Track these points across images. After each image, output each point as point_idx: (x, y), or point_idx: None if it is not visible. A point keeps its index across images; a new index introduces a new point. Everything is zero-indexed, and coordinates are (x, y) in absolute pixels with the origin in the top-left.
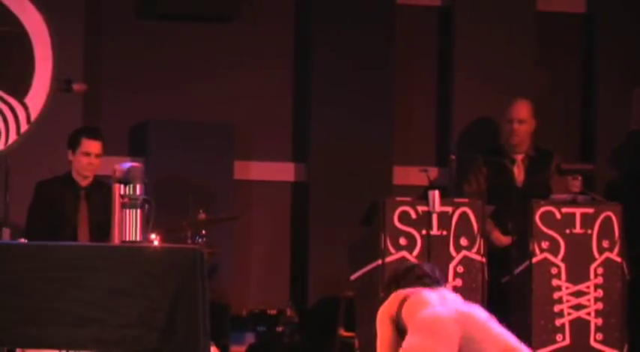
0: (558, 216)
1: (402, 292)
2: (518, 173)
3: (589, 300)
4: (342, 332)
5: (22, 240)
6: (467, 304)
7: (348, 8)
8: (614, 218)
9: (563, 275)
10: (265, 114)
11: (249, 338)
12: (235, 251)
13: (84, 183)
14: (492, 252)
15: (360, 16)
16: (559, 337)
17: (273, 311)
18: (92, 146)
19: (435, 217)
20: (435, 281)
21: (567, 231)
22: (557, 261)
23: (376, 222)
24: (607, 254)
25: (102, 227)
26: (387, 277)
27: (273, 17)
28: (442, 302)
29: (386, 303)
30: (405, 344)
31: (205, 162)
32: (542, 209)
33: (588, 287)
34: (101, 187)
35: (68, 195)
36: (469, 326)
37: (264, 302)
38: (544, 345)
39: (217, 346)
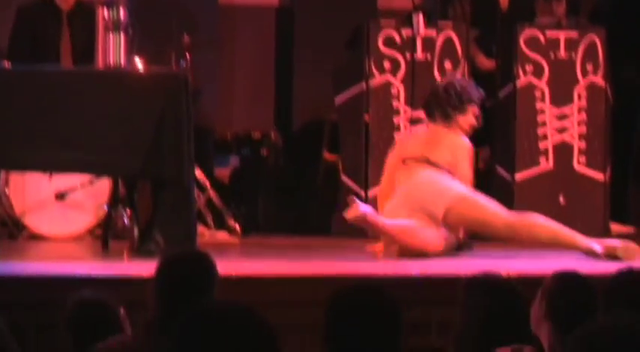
0: (542, 39)
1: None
2: None
3: (572, 123)
4: (326, 156)
5: (6, 63)
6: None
7: None
8: (598, 42)
9: (547, 99)
10: None
11: (234, 161)
12: (220, 75)
13: (66, 6)
14: (476, 75)
15: None
16: (542, 160)
17: (258, 135)
18: None
19: (419, 41)
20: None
21: (551, 55)
22: (541, 84)
23: (360, 46)
24: (591, 77)
25: (85, 52)
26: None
27: None
28: None
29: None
30: None
31: None
32: (527, 33)
33: (572, 110)
34: (84, 11)
35: (50, 20)
36: (422, 202)
37: (249, 125)
38: (528, 168)
39: (201, 169)
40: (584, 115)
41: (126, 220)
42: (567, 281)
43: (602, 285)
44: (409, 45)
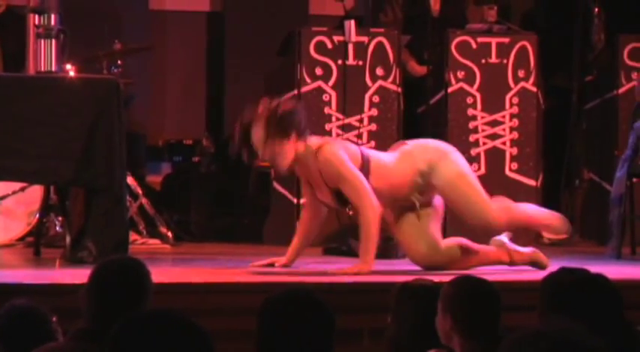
0: (474, 45)
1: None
2: (434, 2)
3: (504, 130)
4: (258, 163)
5: None
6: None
7: None
8: (529, 48)
9: (479, 105)
10: None
11: (166, 168)
12: (151, 81)
13: None
14: (408, 81)
15: None
16: (474, 166)
17: (190, 141)
18: None
19: (350, 47)
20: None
21: (483, 61)
22: (473, 90)
23: (292, 52)
24: (522, 83)
25: (15, 58)
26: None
27: None
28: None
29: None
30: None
31: None
32: (458, 39)
33: (504, 116)
34: (14, 17)
35: None
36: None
37: (181, 132)
38: None
39: (133, 176)
40: (516, 122)
41: (58, 228)
42: (465, 288)
43: (535, 288)
44: (341, 51)
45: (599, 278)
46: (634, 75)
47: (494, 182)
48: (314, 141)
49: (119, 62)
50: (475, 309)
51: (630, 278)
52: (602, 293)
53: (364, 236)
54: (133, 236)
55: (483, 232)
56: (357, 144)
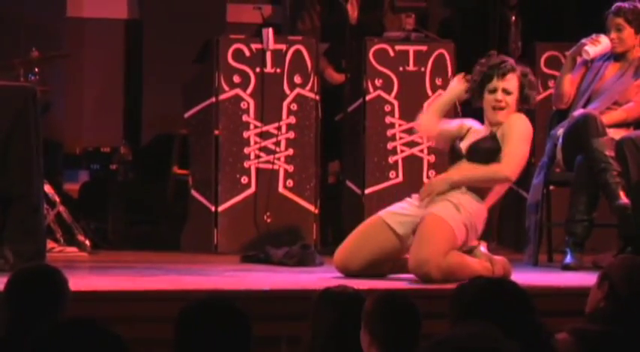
0: (392, 53)
1: None
2: (352, 10)
3: (422, 137)
4: (176, 170)
5: None
6: None
7: None
8: (447, 55)
9: (397, 113)
10: None
11: (83, 176)
12: (69, 89)
13: None
14: (326, 89)
15: None
16: (392, 174)
17: (107, 149)
18: None
19: (268, 55)
20: None
21: (401, 69)
22: (391, 98)
23: (210, 60)
24: (440, 91)
25: None
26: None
27: None
28: None
29: None
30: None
31: None
32: (376, 46)
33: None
34: None
35: None
36: None
37: (98, 140)
38: (378, 182)
39: (51, 184)
40: None
41: None
42: (381, 304)
43: (450, 295)
44: (259, 59)
45: (506, 282)
46: (551, 83)
47: (412, 189)
48: None
49: (36, 70)
50: (391, 325)
51: (547, 285)
52: (510, 297)
53: (479, 169)
54: (50, 244)
55: (413, 270)
56: None
